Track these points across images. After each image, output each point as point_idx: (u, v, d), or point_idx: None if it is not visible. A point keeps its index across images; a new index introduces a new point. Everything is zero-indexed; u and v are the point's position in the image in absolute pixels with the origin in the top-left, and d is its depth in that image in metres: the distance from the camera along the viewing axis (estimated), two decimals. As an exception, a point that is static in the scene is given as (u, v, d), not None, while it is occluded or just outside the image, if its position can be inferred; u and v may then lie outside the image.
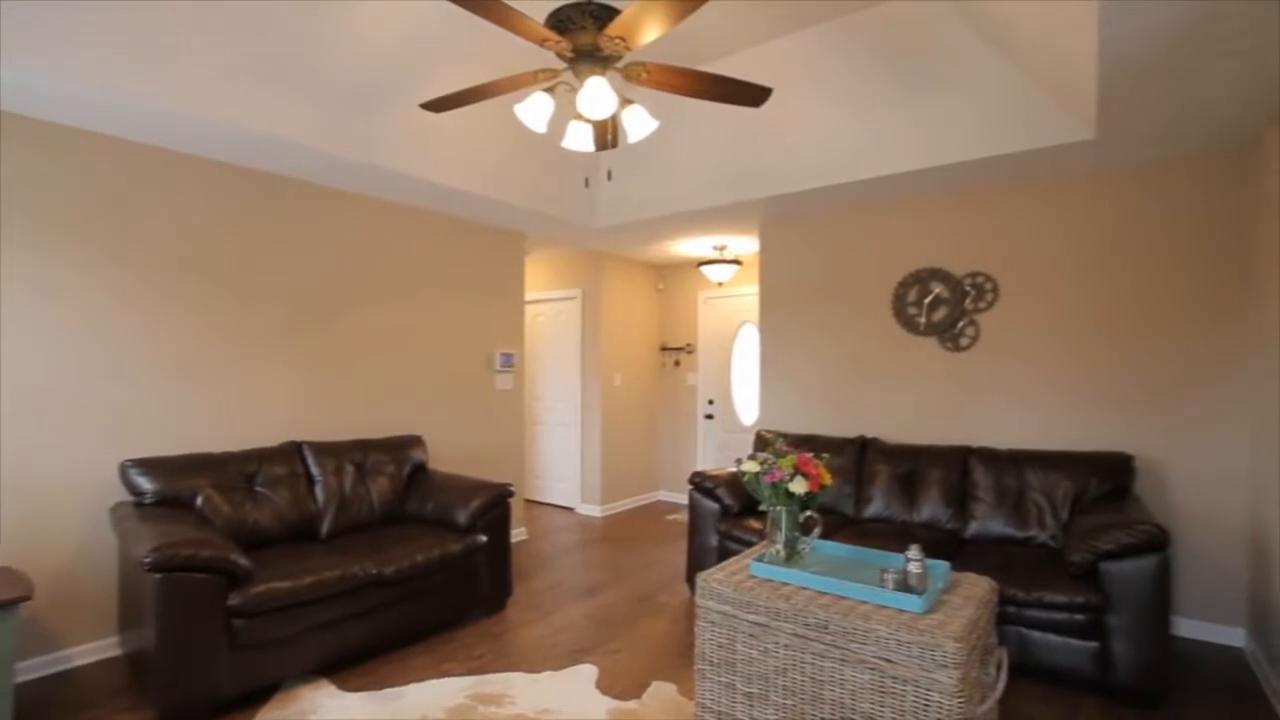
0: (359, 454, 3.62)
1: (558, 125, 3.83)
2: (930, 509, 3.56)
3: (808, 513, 2.25)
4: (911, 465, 3.69)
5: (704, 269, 5.66)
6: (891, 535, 3.34)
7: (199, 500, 2.92)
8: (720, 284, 5.95)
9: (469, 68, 3.34)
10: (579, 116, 2.52)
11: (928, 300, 3.96)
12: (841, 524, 3.65)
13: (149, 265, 3.11)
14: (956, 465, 3.57)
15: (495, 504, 3.48)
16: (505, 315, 4.95)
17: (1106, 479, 3.19)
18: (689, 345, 6.49)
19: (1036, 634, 2.73)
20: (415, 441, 3.93)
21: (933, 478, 3.59)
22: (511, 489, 3.58)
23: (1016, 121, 3.11)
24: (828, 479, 2.18)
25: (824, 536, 3.36)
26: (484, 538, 3.39)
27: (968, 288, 3.84)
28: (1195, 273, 3.27)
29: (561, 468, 6.26)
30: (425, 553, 3.10)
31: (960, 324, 3.86)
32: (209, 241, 3.31)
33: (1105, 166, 3.41)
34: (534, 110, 2.34)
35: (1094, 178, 3.51)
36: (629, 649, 3.09)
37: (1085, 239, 3.53)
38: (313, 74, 3.00)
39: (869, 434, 4.17)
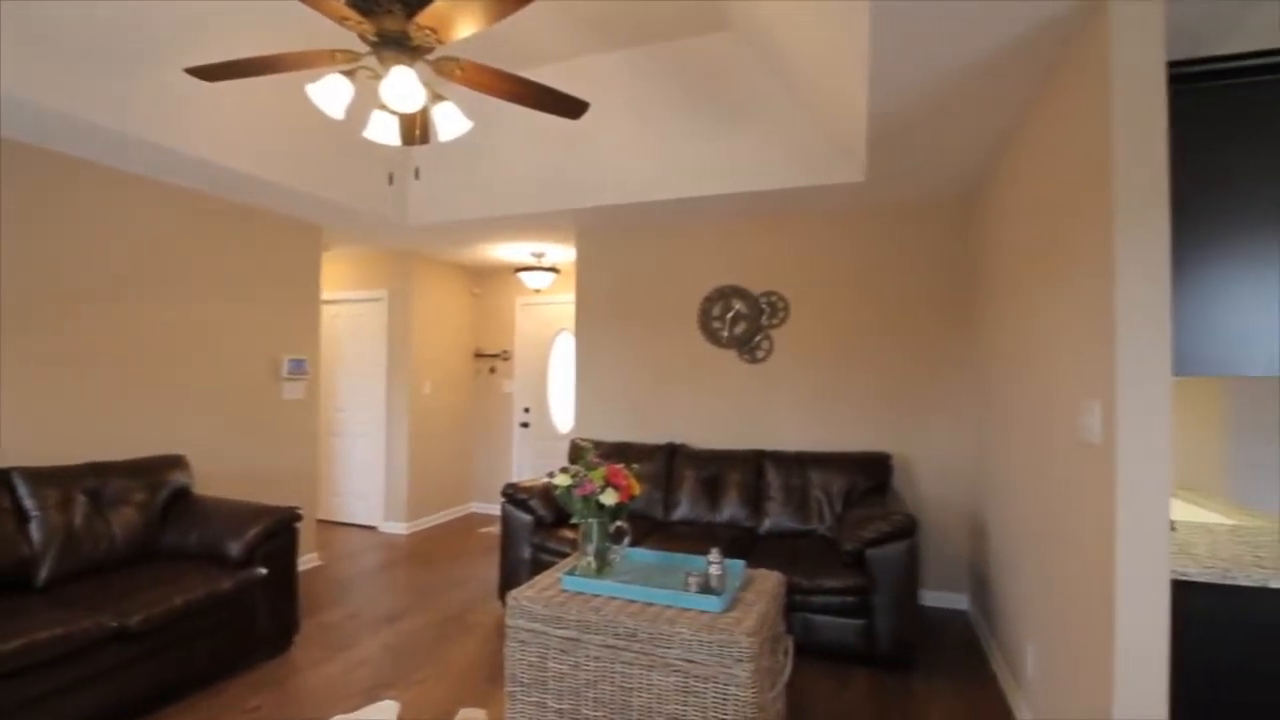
0: (95, 480, 2.99)
1: (363, 113, 3.53)
2: (731, 509, 3.83)
3: (618, 523, 2.29)
4: (715, 469, 3.95)
5: (522, 275, 5.58)
6: (697, 536, 3.53)
7: None
8: (538, 291, 5.90)
9: (261, 35, 2.96)
10: (384, 107, 2.33)
11: (730, 315, 4.28)
12: (652, 528, 3.78)
13: None
14: (752, 468, 3.89)
15: (277, 530, 3.08)
16: (297, 316, 4.43)
17: (871, 475, 3.67)
18: (505, 352, 6.34)
19: (818, 617, 3.06)
20: (175, 463, 3.35)
21: (733, 480, 3.87)
22: (299, 512, 3.20)
23: (803, 160, 3.48)
24: (637, 489, 2.24)
25: (635, 541, 3.46)
26: (263, 570, 2.98)
27: (764, 305, 4.21)
28: (938, 298, 3.91)
29: (363, 483, 5.75)
30: (185, 595, 2.65)
31: (757, 338, 4.22)
32: None
33: (874, 203, 3.94)
34: (329, 93, 2.12)
35: (865, 212, 4.06)
36: (435, 677, 2.91)
37: (857, 265, 4.06)
38: (56, 24, 2.44)
39: (677, 440, 4.38)
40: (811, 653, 3.10)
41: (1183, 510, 2.40)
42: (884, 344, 3.99)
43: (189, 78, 2.80)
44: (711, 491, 3.91)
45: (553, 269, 5.58)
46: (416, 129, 2.62)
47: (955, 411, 3.86)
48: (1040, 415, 2.41)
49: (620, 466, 2.24)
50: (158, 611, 2.52)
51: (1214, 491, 3.51)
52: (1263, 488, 4.58)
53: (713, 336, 4.32)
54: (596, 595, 2.16)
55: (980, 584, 3.48)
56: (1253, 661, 1.62)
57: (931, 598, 3.86)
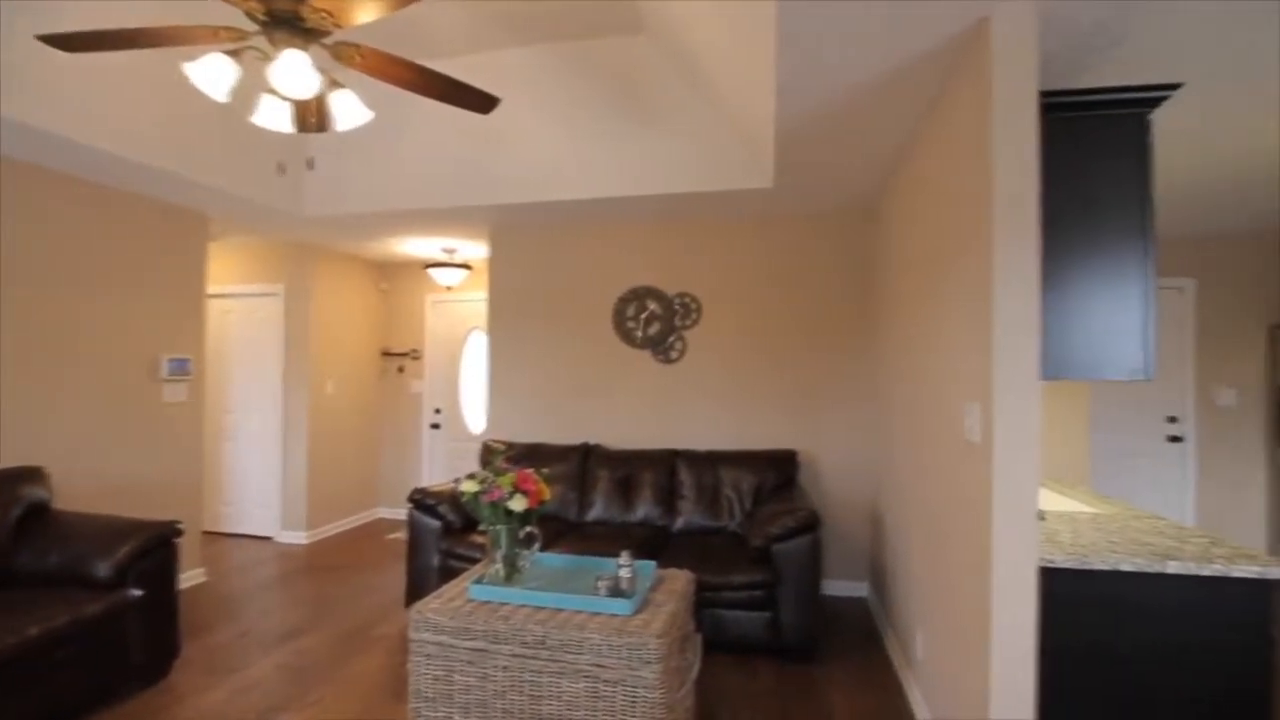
0: (-71, 498, 2.64)
1: (253, 95, 3.28)
2: (645, 509, 3.86)
3: (528, 528, 2.25)
4: (629, 469, 3.97)
5: (432, 272, 5.39)
6: (612, 536, 3.54)
7: None
8: (449, 288, 5.72)
9: (138, 6, 2.70)
10: (275, 92, 2.18)
11: (644, 316, 4.31)
12: (566, 529, 3.76)
13: None
14: (666, 467, 3.93)
15: (153, 546, 2.82)
16: (179, 312, 4.07)
17: (779, 472, 3.80)
18: (414, 351, 6.11)
19: (727, 612, 3.13)
20: (29, 475, 3.00)
21: (646, 480, 3.90)
22: (179, 525, 2.95)
23: (715, 165, 3.54)
24: (547, 494, 2.21)
25: (548, 544, 3.42)
26: (137, 591, 2.73)
27: (677, 306, 4.27)
28: (842, 303, 4.09)
29: (257, 491, 5.38)
30: (43, 623, 2.38)
31: (671, 338, 4.27)
32: None
33: (784, 210, 4.08)
34: (209, 74, 1.96)
35: (776, 218, 4.19)
36: (334, 696, 2.76)
37: (767, 269, 4.19)
38: None
39: (592, 441, 4.37)
40: (721, 647, 3.17)
41: (1053, 501, 2.62)
42: (792, 346, 4.14)
43: (55, 50, 2.51)
44: (626, 491, 3.92)
45: (465, 266, 5.42)
46: (313, 116, 2.47)
47: (856, 411, 4.06)
48: (929, 416, 2.57)
49: (530, 471, 2.20)
50: (10, 644, 2.25)
51: (1079, 482, 3.86)
52: (1118, 478, 5.10)
53: (627, 337, 4.34)
54: (505, 604, 2.12)
55: (878, 573, 3.68)
56: (1107, 636, 1.80)
57: (834, 587, 4.05)
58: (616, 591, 2.12)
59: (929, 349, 2.58)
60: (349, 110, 2.21)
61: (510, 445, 4.26)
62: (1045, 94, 1.87)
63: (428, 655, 2.07)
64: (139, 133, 3.18)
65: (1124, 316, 1.84)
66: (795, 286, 4.16)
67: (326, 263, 5.44)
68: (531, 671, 1.98)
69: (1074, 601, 1.81)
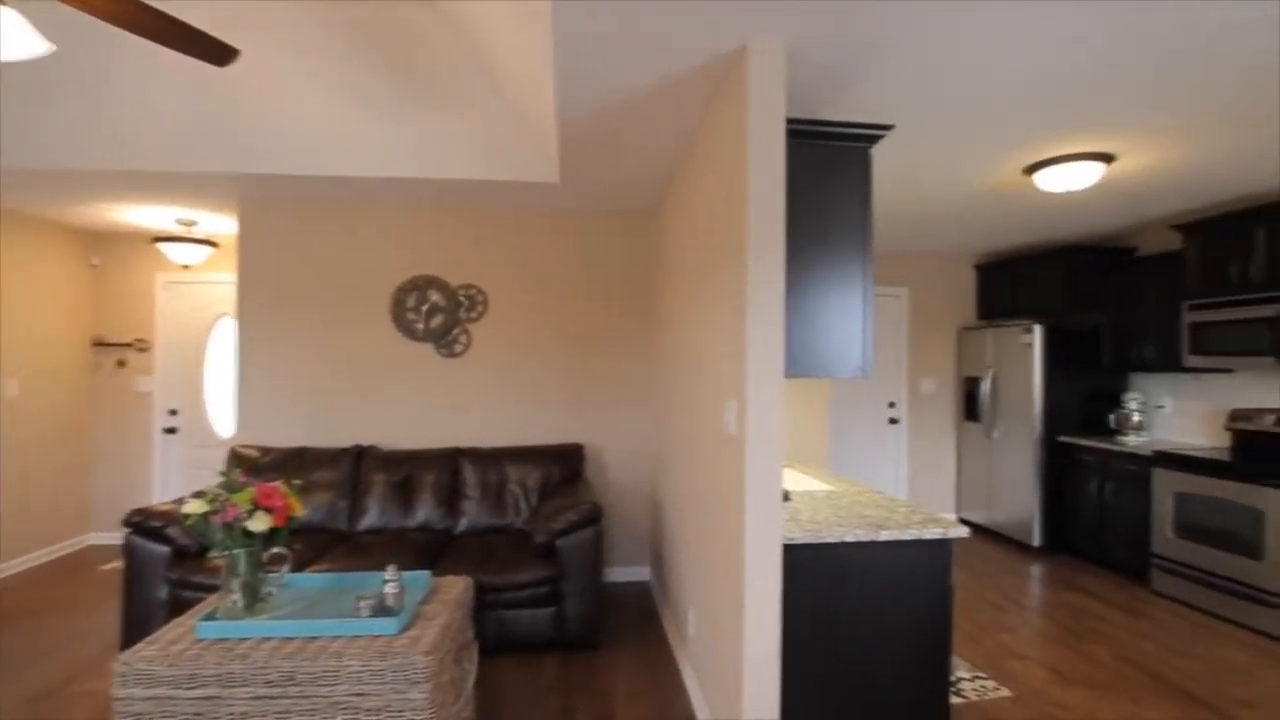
0: None
1: None
2: (425, 512, 3.65)
3: (275, 549, 1.98)
4: (408, 471, 3.72)
5: (164, 247, 4.53)
6: (387, 545, 3.28)
7: None
8: (187, 267, 4.86)
9: None
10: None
11: (425, 307, 4.05)
12: (334, 541, 3.41)
13: None
14: (449, 466, 3.76)
15: None
16: None
17: (566, 466, 3.84)
18: (141, 341, 5.09)
19: (512, 612, 3.08)
20: None
21: (427, 481, 3.69)
22: None
23: (503, 154, 3.43)
24: (298, 509, 1.96)
25: (313, 559, 3.08)
26: None
27: (462, 298, 4.08)
28: (627, 300, 4.24)
29: (-107, 524, 4.08)
30: None
31: (455, 331, 4.08)
32: None
33: (573, 206, 4.09)
34: None
35: (564, 214, 4.19)
36: (7, 778, 2.20)
37: (556, 264, 4.19)
38: None
39: (366, 442, 4.02)
40: (508, 648, 3.11)
41: (799, 481, 2.97)
42: (580, 341, 4.19)
43: None
44: (404, 495, 3.67)
45: (208, 242, 4.64)
46: (-39, 40, 1.90)
47: (639, 404, 4.24)
48: (698, 411, 2.75)
49: (276, 484, 1.94)
50: None
51: (820, 463, 4.45)
52: (854, 457, 5.97)
53: (407, 329, 4.05)
54: (244, 639, 1.85)
55: (658, 557, 3.89)
56: (836, 597, 2.08)
57: (619, 574, 4.21)
58: (381, 610, 1.95)
59: (698, 349, 2.77)
60: (15, 36, 1.73)
61: (266, 451, 3.77)
62: (793, 120, 2.09)
63: (137, 715, 1.73)
64: None
65: (849, 321, 2.12)
66: (584, 283, 4.21)
67: (13, 228, 4.29)
68: (276, 714, 1.75)
69: (810, 571, 2.06)
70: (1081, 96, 2.40)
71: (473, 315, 4.09)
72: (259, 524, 1.85)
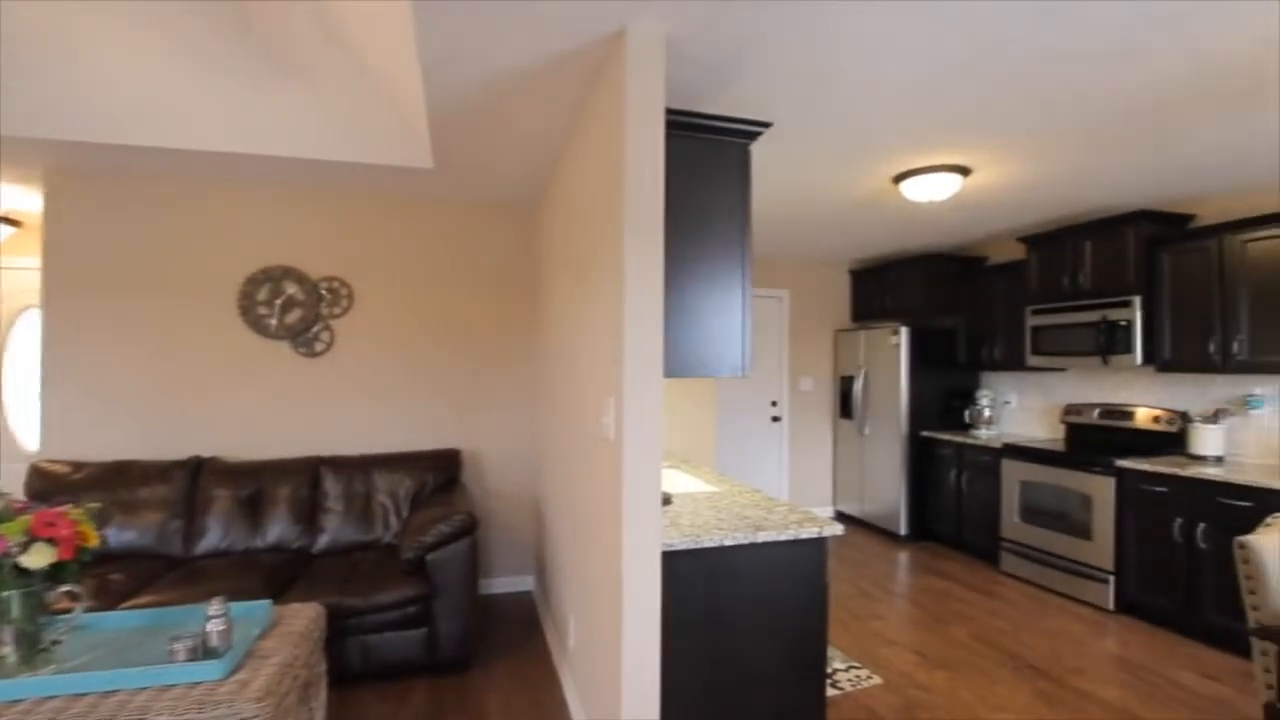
0: None
1: None
2: (279, 529, 3.27)
3: (64, 588, 1.65)
4: (258, 484, 3.32)
5: (-56, 225, 3.79)
6: (231, 571, 2.90)
7: None
8: (-19, 251, 4.10)
9: None
10: None
11: (280, 301, 3.64)
12: (166, 568, 2.97)
13: None
14: (308, 478, 3.40)
15: None
16: None
17: (441, 472, 3.59)
18: (-83, 337, 4.25)
19: (376, 636, 2.81)
20: None
21: (281, 495, 3.31)
22: None
23: (369, 135, 3.14)
24: (93, 538, 1.64)
25: (137, 589, 2.66)
26: None
27: (324, 291, 3.71)
28: (506, 298, 4.03)
29: None
30: None
31: (316, 328, 3.70)
32: None
33: (448, 196, 3.84)
34: None
35: (440, 204, 3.92)
36: None
37: (428, 258, 3.91)
38: None
39: (207, 453, 3.55)
40: (372, 676, 2.85)
41: (683, 482, 2.92)
42: (457, 339, 3.95)
43: None
44: (253, 512, 3.27)
45: (7, 220, 3.94)
46: None
47: (521, 407, 4.05)
48: (577, 413, 2.64)
49: (63, 510, 1.61)
50: None
51: (705, 463, 4.46)
52: (739, 455, 6.05)
53: (258, 325, 3.61)
54: (16, 702, 1.51)
55: (540, 565, 3.73)
56: (715, 601, 2.03)
57: (502, 584, 4.00)
58: (203, 651, 1.67)
59: (577, 348, 2.65)
60: None
61: (79, 466, 3.24)
62: (673, 112, 2.02)
63: None
64: None
65: (728, 321, 2.09)
66: (463, 278, 3.96)
67: None
68: (55, 789, 1.44)
69: (690, 576, 2.00)
70: (941, 106, 2.52)
71: (336, 310, 3.73)
72: (38, 559, 1.52)
